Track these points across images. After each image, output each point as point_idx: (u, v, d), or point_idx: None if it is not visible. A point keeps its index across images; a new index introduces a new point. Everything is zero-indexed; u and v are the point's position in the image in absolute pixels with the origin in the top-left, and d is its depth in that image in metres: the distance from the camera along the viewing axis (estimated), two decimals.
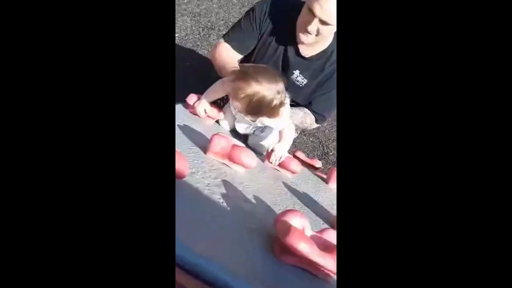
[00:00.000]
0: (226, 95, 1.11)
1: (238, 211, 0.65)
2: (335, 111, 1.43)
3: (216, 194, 0.66)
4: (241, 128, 1.16)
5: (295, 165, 1.07)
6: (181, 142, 0.82)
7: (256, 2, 1.26)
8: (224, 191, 0.69)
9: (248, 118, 1.05)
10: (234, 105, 0.99)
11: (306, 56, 1.22)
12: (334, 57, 1.23)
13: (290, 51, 1.22)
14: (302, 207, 0.88)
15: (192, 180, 0.65)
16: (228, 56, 1.23)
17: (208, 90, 1.10)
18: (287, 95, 1.02)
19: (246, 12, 1.28)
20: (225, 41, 1.26)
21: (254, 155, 0.85)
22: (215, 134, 0.84)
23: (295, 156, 1.26)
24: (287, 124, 1.08)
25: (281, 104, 0.98)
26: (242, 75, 0.94)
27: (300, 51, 1.22)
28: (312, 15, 1.08)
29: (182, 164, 0.58)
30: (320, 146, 1.77)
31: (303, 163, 1.26)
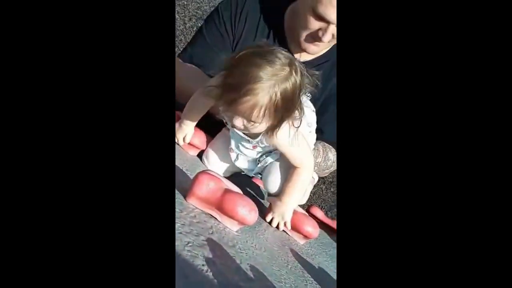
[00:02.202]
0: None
1: (228, 286, 0.64)
2: None
3: (199, 258, 0.64)
4: (243, 162, 1.07)
5: (310, 227, 1.04)
6: None
7: (220, 2, 1.25)
8: (210, 254, 0.67)
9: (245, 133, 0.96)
10: (234, 121, 0.89)
11: (303, 60, 1.22)
12: None
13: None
14: None
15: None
16: (190, 78, 1.17)
17: (187, 106, 1.04)
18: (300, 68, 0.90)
19: (206, 17, 1.27)
20: (183, 59, 1.23)
21: (254, 206, 0.83)
22: (201, 172, 0.81)
23: (310, 214, 1.24)
24: (303, 151, 0.97)
25: (299, 86, 0.87)
26: (233, 77, 0.84)
27: (296, 57, 1.24)
28: (324, 21, 1.10)
29: None
30: None
31: (321, 224, 1.26)
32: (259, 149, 1.03)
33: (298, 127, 0.92)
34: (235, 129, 0.96)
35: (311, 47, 1.16)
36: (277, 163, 1.03)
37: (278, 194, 1.01)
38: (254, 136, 0.97)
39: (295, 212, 1.04)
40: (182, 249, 0.64)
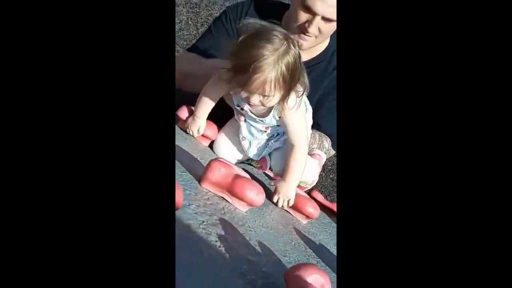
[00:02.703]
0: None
1: (239, 259, 0.67)
2: None
3: (212, 235, 0.69)
4: (254, 149, 1.17)
5: (312, 208, 1.09)
6: None
7: (228, 6, 1.34)
8: (222, 232, 0.72)
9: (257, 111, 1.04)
10: (251, 100, 0.97)
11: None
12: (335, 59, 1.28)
13: None
14: (319, 262, 0.90)
15: (183, 215, 0.68)
16: (191, 61, 1.25)
17: (199, 101, 1.11)
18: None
19: (215, 19, 1.34)
20: (190, 52, 1.30)
21: (261, 189, 0.88)
22: (213, 160, 0.87)
23: (311, 197, 1.29)
24: (301, 127, 1.07)
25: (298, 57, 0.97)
26: (241, 59, 0.93)
27: None
28: (311, 13, 1.15)
29: (176, 193, 0.61)
30: None
31: (321, 206, 1.29)
32: (269, 131, 1.12)
33: (302, 94, 1.01)
34: (248, 112, 1.05)
35: (300, 42, 1.20)
36: (281, 147, 1.13)
37: (281, 175, 1.08)
38: (265, 114, 1.06)
39: (298, 195, 1.10)
40: (197, 227, 0.68)
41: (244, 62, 0.93)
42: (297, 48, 0.96)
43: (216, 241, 0.67)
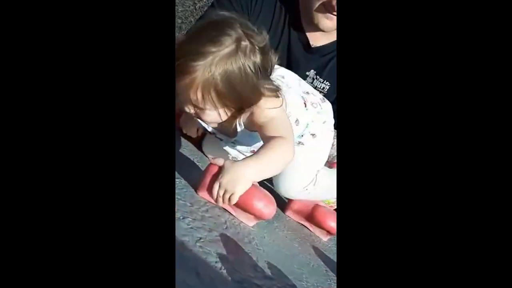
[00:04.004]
0: None
1: (243, 283, 0.63)
2: None
3: (212, 255, 0.64)
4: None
5: (334, 222, 1.01)
6: None
7: None
8: (223, 251, 0.67)
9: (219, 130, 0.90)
10: (185, 108, 0.82)
11: (318, 45, 1.22)
12: None
13: (296, 44, 1.22)
14: None
15: (177, 230, 0.64)
16: None
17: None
18: (272, 54, 0.83)
19: None
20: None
21: (271, 199, 0.81)
22: (213, 164, 0.80)
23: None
24: (279, 124, 0.84)
25: (262, 59, 0.80)
26: (178, 54, 0.77)
27: (311, 42, 1.22)
28: None
29: None
30: None
31: None
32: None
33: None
34: (210, 129, 0.91)
35: (324, 21, 1.15)
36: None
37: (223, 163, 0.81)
38: (232, 132, 0.90)
39: (318, 206, 1.02)
40: (193, 245, 0.63)
41: (178, 57, 0.77)
42: (254, 57, 0.79)
43: (216, 262, 0.63)
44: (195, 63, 0.75)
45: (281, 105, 0.85)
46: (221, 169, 0.76)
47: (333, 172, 1.05)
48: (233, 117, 0.83)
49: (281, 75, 0.94)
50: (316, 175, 1.01)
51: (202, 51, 0.76)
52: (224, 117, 0.82)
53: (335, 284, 0.83)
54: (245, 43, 0.78)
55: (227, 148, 1.00)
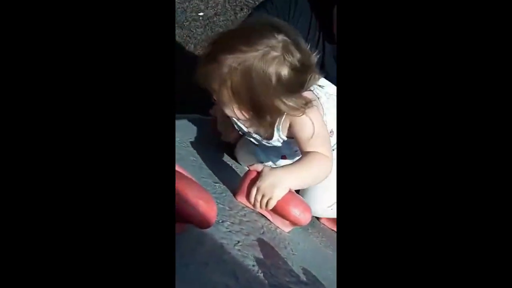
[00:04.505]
0: None
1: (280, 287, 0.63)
2: None
3: (249, 258, 0.64)
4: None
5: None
6: (199, 174, 0.80)
7: None
8: (260, 255, 0.68)
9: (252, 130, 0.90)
10: (226, 110, 0.84)
11: None
12: None
13: (329, 59, 1.21)
14: None
15: (216, 233, 0.65)
16: None
17: None
18: (313, 73, 0.83)
19: (259, 3, 1.28)
20: None
21: (307, 206, 0.82)
22: (251, 169, 0.81)
23: None
24: (317, 138, 0.84)
25: (292, 76, 0.80)
26: (209, 49, 0.83)
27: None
28: None
29: (208, 207, 0.57)
30: None
31: None
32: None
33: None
34: (245, 129, 0.91)
35: None
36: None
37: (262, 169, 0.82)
38: (270, 136, 0.90)
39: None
40: (232, 247, 0.64)
41: (213, 45, 0.83)
42: (280, 69, 0.79)
43: (253, 266, 0.63)
44: (223, 54, 0.79)
45: (319, 118, 0.86)
46: (259, 174, 0.78)
47: None
48: (270, 124, 0.85)
49: (321, 84, 0.94)
50: None
51: (234, 46, 0.79)
52: (240, 116, 0.84)
53: None
54: (276, 53, 0.79)
55: (260, 155, 1.00)
